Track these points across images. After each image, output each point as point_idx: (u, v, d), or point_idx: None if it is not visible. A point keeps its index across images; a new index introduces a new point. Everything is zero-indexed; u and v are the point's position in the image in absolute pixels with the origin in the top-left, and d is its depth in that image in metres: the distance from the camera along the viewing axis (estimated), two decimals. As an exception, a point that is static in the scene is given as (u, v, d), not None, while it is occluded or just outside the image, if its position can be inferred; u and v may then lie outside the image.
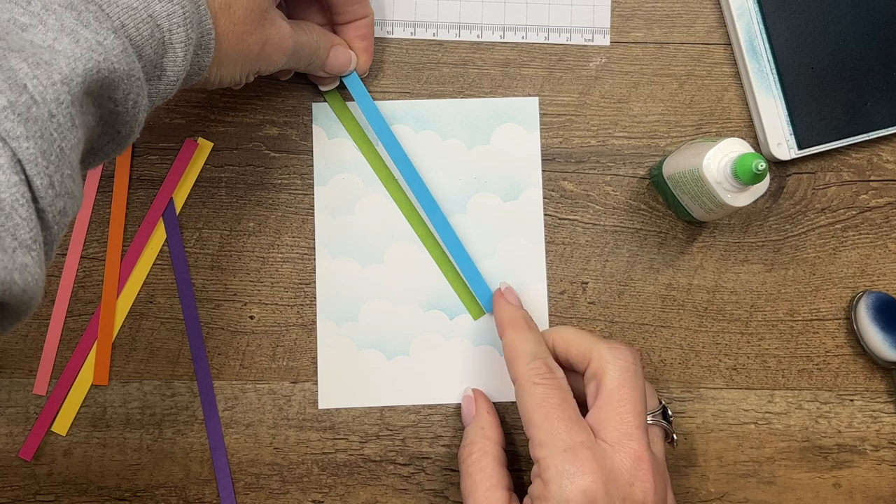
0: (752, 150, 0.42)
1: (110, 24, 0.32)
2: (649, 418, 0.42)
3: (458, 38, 0.50)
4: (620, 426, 0.39)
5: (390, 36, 0.50)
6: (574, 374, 0.45)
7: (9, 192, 0.28)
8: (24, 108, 0.28)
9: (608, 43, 0.50)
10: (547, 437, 0.39)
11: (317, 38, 0.45)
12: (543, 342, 0.44)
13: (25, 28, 0.30)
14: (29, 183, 0.29)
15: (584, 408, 0.42)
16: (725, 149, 0.42)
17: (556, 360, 0.45)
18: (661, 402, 0.44)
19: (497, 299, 0.47)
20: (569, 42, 0.50)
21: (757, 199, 0.43)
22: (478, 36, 0.50)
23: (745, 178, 0.41)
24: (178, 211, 0.48)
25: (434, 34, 0.50)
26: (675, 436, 0.44)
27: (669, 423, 0.44)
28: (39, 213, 0.29)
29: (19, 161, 0.28)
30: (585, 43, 0.50)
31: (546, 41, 0.50)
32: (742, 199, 0.42)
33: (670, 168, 0.46)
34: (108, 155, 0.35)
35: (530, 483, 0.41)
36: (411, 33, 0.50)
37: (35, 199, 0.29)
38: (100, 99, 0.32)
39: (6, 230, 0.28)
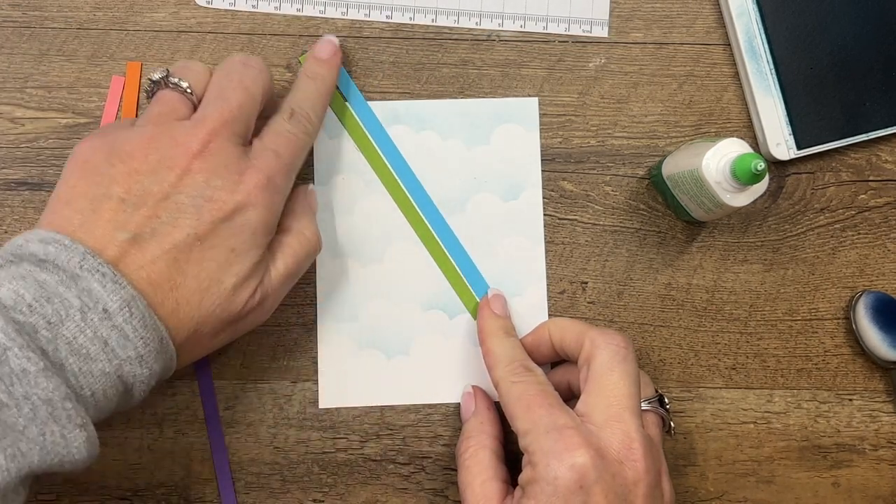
0: (751, 151, 0.42)
1: (80, 420, 0.33)
2: (644, 405, 0.42)
3: (456, 25, 0.50)
4: (608, 409, 0.39)
5: (389, 20, 0.50)
6: (571, 366, 0.45)
7: None
8: None
9: (606, 34, 0.50)
10: (530, 425, 0.39)
11: (309, 236, 0.44)
12: (522, 348, 0.45)
13: (1, 407, 0.31)
14: None
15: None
16: (724, 149, 0.42)
17: (553, 350, 0.45)
18: (657, 391, 0.44)
19: (482, 308, 0.47)
20: (567, 32, 0.50)
21: (756, 200, 0.43)
22: (476, 23, 0.50)
23: (744, 178, 0.41)
24: (178, 211, 0.49)
25: (433, 20, 0.50)
26: (672, 424, 0.44)
27: (667, 411, 0.44)
28: None
29: None
30: (583, 33, 0.50)
31: (545, 30, 0.50)
32: (741, 199, 0.43)
33: (669, 168, 0.46)
34: None
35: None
36: (410, 18, 0.50)
37: None
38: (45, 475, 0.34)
39: None
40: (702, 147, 0.43)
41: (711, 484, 0.49)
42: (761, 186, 0.42)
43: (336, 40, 0.47)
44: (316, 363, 0.48)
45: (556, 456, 0.38)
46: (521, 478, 0.40)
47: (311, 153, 0.49)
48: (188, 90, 0.41)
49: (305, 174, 0.49)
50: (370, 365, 0.49)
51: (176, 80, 0.41)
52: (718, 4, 0.51)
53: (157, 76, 0.41)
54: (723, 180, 0.42)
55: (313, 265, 0.49)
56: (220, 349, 0.48)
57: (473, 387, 0.48)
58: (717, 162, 0.42)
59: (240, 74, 0.41)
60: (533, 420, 0.39)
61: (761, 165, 0.40)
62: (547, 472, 0.37)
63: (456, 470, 0.45)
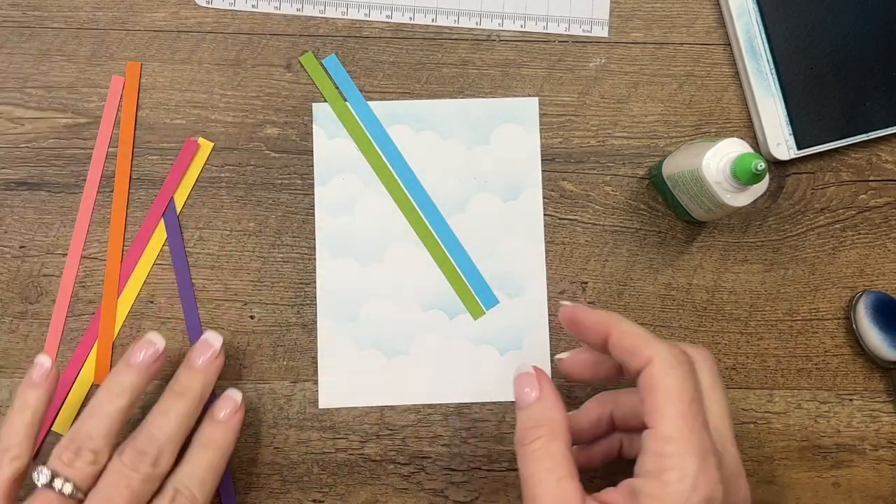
0: (751, 150, 0.42)
1: None
2: None
3: (456, 24, 0.50)
4: (721, 429, 0.37)
5: (389, 20, 0.50)
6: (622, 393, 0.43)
7: None
8: None
9: (606, 34, 0.50)
10: (679, 434, 0.35)
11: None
12: None
13: None
14: None
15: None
16: (725, 149, 0.42)
17: (600, 345, 0.40)
18: None
19: (577, 312, 0.40)
20: (567, 31, 0.50)
21: (756, 199, 0.43)
22: (476, 23, 0.50)
23: (744, 178, 0.41)
24: (178, 211, 0.49)
25: (433, 20, 0.50)
26: None
27: None
28: None
29: None
30: (584, 33, 0.50)
31: (545, 30, 0.50)
32: (741, 199, 0.43)
33: (670, 168, 0.46)
34: None
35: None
36: (410, 18, 0.50)
37: None
38: None
39: None
40: (702, 147, 0.43)
41: (711, 484, 0.49)
42: (761, 186, 0.42)
43: (239, 396, 0.46)
44: (316, 363, 0.48)
45: (696, 485, 0.34)
46: (641, 485, 0.35)
47: (310, 153, 0.49)
48: (74, 492, 0.40)
49: (305, 174, 0.49)
50: (370, 365, 0.49)
51: (60, 483, 0.40)
52: (718, 4, 0.51)
53: (42, 479, 0.40)
54: (723, 180, 0.42)
55: (313, 265, 0.49)
56: (219, 349, 0.48)
57: (535, 367, 0.40)
58: (717, 162, 0.42)
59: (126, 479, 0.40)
60: (685, 430, 0.35)
61: (761, 165, 0.40)
62: (682, 497, 0.34)
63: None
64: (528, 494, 0.37)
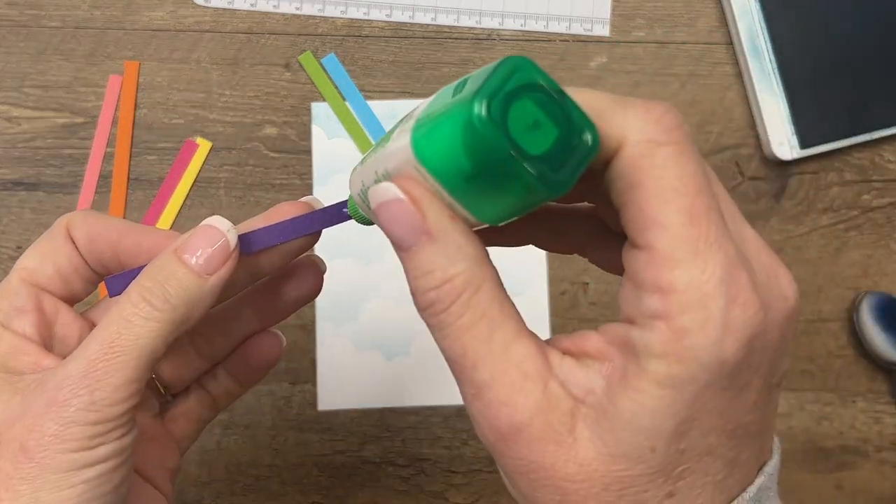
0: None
1: None
2: None
3: (457, 23, 0.50)
4: (734, 218, 0.23)
5: (389, 19, 0.49)
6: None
7: None
8: None
9: (607, 33, 0.50)
10: (691, 252, 0.20)
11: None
12: None
13: None
14: None
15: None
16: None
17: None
18: None
19: None
20: (568, 30, 0.50)
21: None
22: (477, 22, 0.50)
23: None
24: (177, 212, 0.48)
25: (433, 18, 0.50)
26: None
27: None
28: None
29: None
30: (585, 32, 0.50)
31: (546, 29, 0.50)
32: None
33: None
34: None
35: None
36: (410, 17, 0.50)
37: None
38: None
39: None
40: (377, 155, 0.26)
41: (714, 486, 0.49)
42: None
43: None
44: (315, 364, 0.48)
45: (727, 326, 0.20)
46: (640, 339, 0.21)
47: (310, 152, 0.49)
48: None
49: (305, 174, 0.49)
50: (369, 366, 0.48)
51: None
52: (721, 3, 0.50)
53: None
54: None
55: (312, 266, 0.48)
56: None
57: (398, 179, 0.24)
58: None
59: None
60: (698, 241, 0.20)
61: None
62: (708, 350, 0.20)
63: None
64: (467, 380, 0.22)
